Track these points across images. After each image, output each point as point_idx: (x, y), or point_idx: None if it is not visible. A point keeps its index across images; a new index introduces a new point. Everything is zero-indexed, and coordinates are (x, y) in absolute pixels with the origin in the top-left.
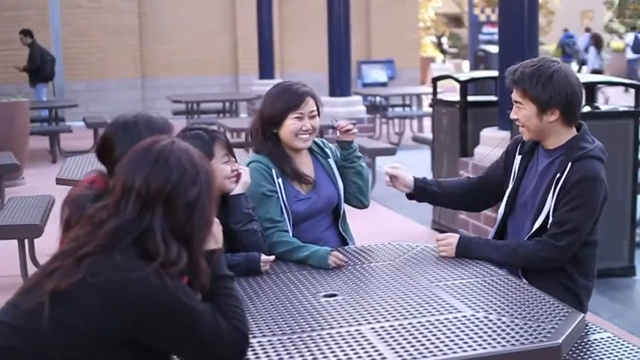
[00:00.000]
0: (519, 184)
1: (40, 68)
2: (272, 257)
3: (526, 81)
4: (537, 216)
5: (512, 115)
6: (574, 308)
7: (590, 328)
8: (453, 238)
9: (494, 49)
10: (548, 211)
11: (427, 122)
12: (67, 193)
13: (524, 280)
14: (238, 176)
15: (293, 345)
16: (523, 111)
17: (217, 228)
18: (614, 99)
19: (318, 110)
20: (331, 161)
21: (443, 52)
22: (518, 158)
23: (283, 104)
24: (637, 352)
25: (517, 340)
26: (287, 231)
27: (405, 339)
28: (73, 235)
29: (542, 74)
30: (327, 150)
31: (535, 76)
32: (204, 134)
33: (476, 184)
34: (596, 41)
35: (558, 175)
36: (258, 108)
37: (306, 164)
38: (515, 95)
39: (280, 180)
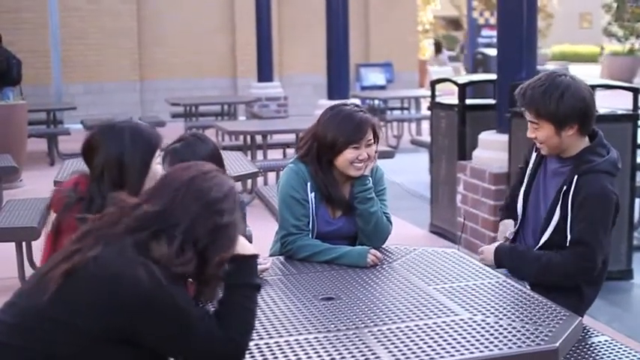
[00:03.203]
0: (532, 180)
1: (6, 72)
2: (268, 265)
3: (539, 102)
4: (545, 228)
5: (530, 134)
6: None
7: (588, 331)
8: (491, 247)
9: (492, 52)
10: (556, 225)
11: (425, 125)
12: (52, 196)
13: (527, 286)
14: None
15: (290, 348)
16: (541, 131)
17: (242, 239)
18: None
19: (376, 136)
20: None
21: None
22: (534, 155)
23: (345, 137)
24: (634, 355)
25: (514, 343)
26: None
27: (402, 342)
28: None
29: (553, 93)
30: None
31: (547, 95)
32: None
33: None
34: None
35: (565, 187)
36: (314, 126)
37: (346, 189)
38: (529, 116)
39: (313, 195)
